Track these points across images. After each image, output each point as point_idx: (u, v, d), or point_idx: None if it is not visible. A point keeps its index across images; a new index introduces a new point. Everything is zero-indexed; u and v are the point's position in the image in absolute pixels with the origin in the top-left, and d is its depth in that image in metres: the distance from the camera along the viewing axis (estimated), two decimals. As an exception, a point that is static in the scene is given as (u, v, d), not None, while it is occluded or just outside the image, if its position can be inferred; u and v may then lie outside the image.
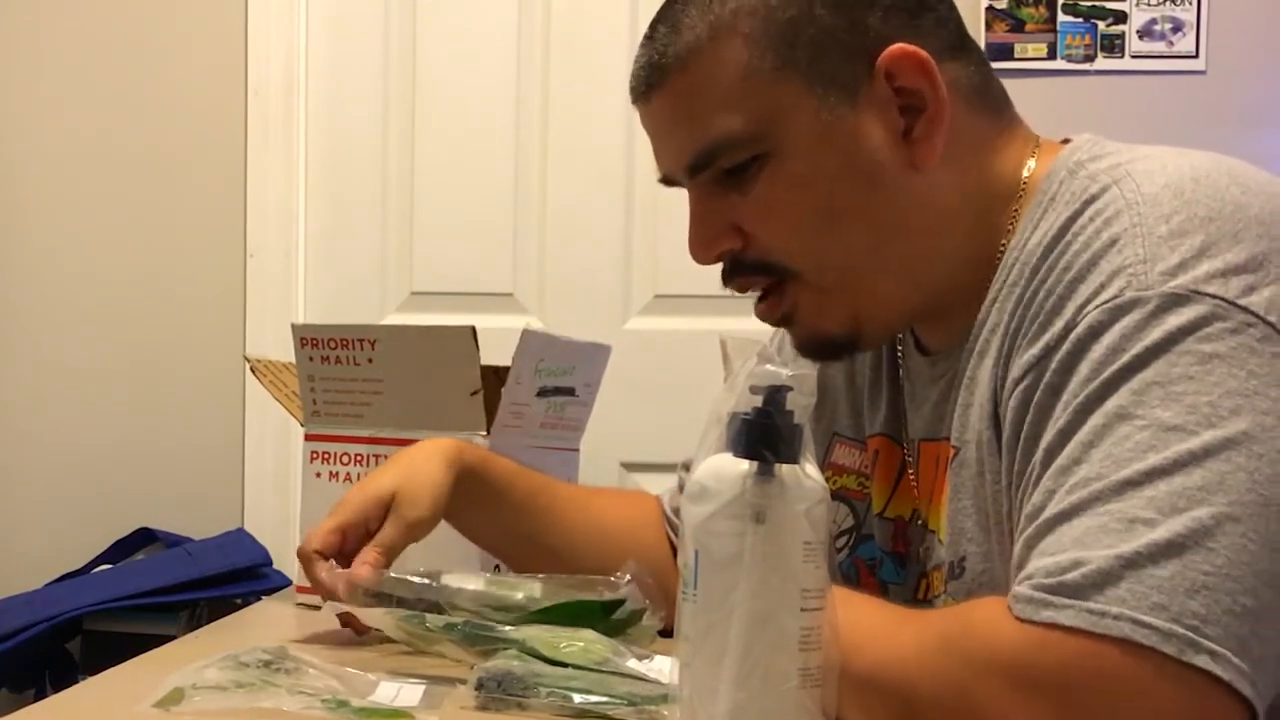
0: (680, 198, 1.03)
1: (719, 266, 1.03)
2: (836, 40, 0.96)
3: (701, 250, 1.01)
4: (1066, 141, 1.01)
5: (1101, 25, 2.41)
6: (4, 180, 2.56)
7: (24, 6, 2.55)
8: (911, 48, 0.95)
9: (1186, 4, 2.39)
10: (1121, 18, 2.41)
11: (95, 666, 1.56)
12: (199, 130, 2.53)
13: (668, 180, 1.04)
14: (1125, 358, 0.81)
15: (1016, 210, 0.98)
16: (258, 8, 2.51)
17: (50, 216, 2.56)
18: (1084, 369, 0.83)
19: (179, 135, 2.54)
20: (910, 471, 1.08)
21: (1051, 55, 2.41)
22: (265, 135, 2.52)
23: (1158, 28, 2.40)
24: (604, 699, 0.91)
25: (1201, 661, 0.73)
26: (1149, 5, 2.40)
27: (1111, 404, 0.81)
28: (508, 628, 1.05)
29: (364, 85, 2.55)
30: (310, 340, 1.38)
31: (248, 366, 1.77)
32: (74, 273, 2.55)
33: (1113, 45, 2.41)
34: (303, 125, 2.54)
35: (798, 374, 0.74)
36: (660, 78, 0.98)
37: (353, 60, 2.56)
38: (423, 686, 0.97)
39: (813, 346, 1.04)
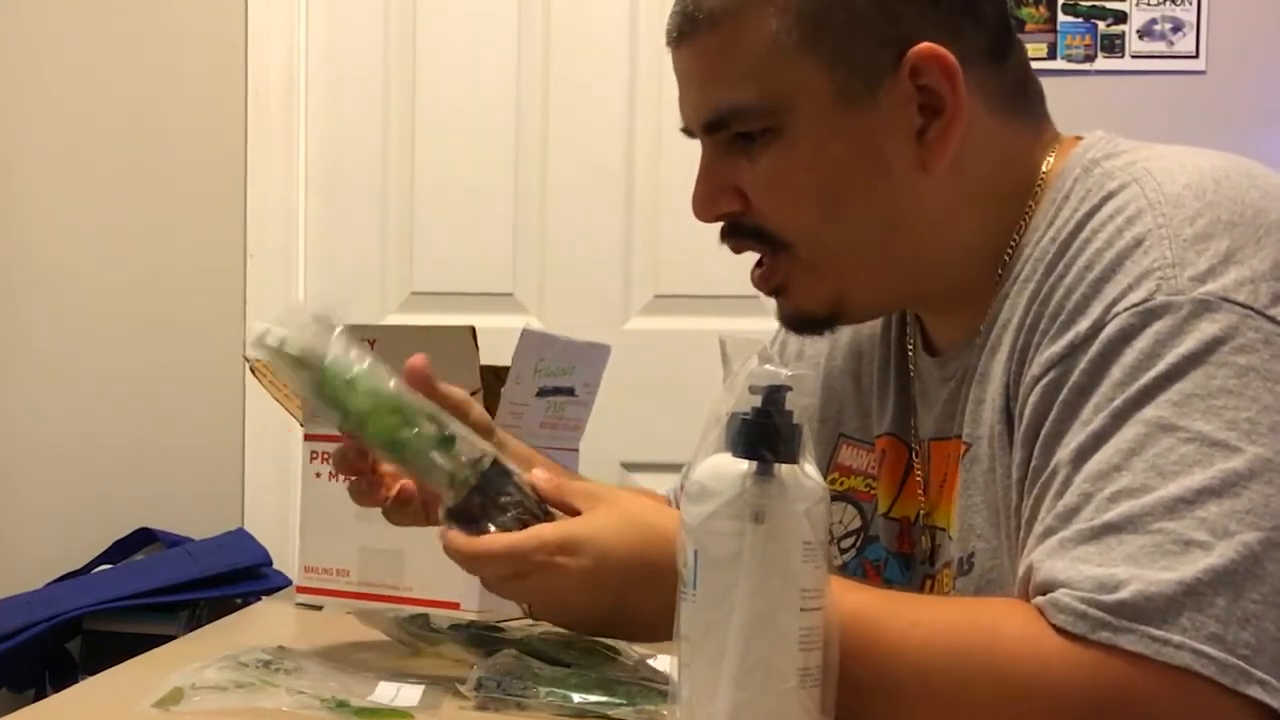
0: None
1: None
2: (868, 28, 0.95)
3: (702, 207, 1.01)
4: (1080, 139, 1.01)
5: (1101, 25, 2.41)
6: (4, 180, 2.56)
7: (24, 6, 2.55)
8: (940, 49, 0.94)
9: (1186, 4, 2.39)
10: (1121, 18, 2.41)
11: (95, 666, 1.56)
12: (199, 130, 2.53)
13: (688, 131, 1.04)
14: (1161, 365, 0.81)
15: (1031, 207, 0.98)
16: (258, 8, 2.51)
17: (50, 216, 2.56)
18: (1116, 372, 0.83)
19: (179, 135, 2.54)
20: (917, 472, 1.08)
21: (1051, 55, 2.41)
22: (265, 135, 2.52)
23: (1158, 28, 2.40)
24: (603, 699, 0.91)
25: (1254, 692, 0.74)
26: (1149, 5, 2.40)
27: (1150, 412, 0.81)
28: (513, 627, 1.05)
29: (364, 85, 2.55)
30: (310, 340, 1.37)
31: (248, 366, 1.77)
32: (74, 273, 2.55)
33: (1113, 45, 2.41)
34: (303, 125, 2.54)
35: (797, 374, 0.74)
36: (691, 29, 0.98)
37: (353, 60, 2.56)
38: (422, 686, 0.97)
39: (795, 322, 1.05)
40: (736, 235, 1.02)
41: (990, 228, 0.99)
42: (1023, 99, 1.01)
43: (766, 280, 1.02)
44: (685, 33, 0.99)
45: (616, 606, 0.91)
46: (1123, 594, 0.76)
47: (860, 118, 0.96)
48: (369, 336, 1.37)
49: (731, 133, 0.98)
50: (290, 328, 0.96)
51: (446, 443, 0.95)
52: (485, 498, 0.95)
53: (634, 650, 0.99)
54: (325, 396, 0.96)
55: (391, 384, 0.96)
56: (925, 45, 0.94)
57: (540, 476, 0.97)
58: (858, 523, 1.13)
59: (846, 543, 1.13)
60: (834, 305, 1.02)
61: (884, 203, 0.97)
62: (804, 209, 0.98)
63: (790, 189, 0.98)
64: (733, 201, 1.00)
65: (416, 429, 0.95)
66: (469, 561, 0.94)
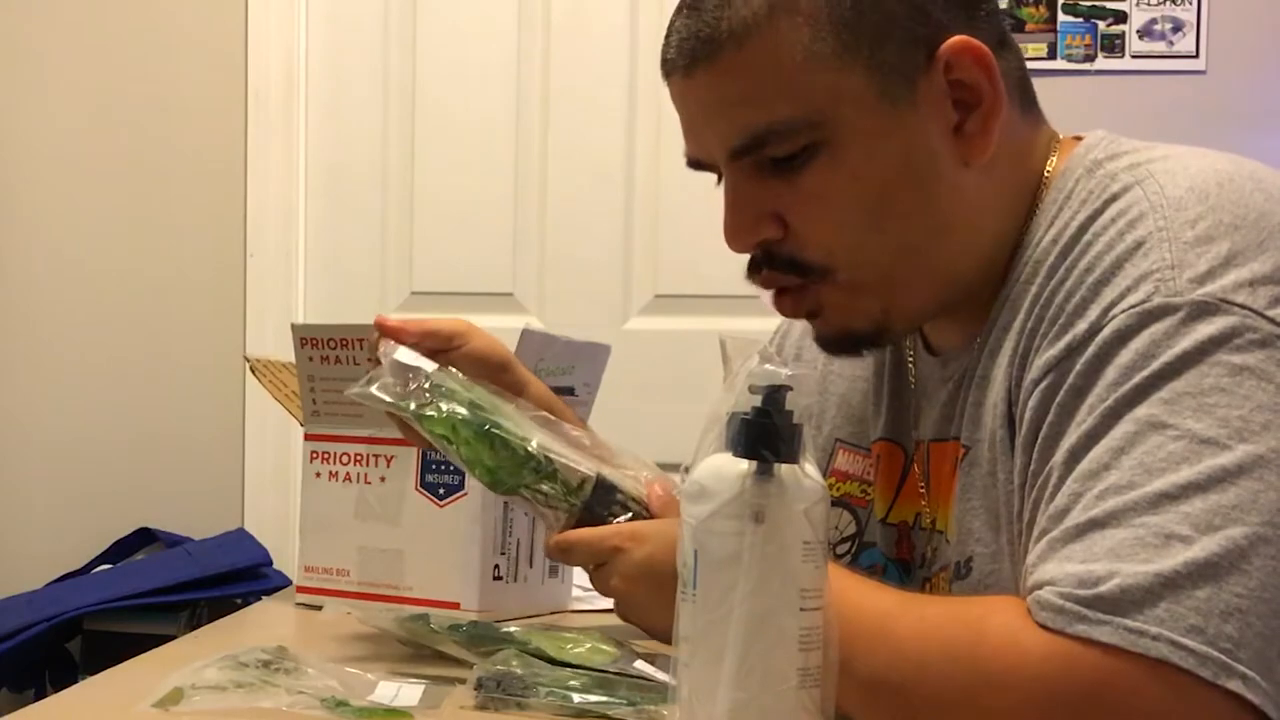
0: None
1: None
2: (899, 27, 0.92)
3: (740, 238, 0.97)
4: (1080, 138, 1.00)
5: (1101, 25, 2.41)
6: (4, 180, 2.56)
7: (24, 6, 2.55)
8: (972, 41, 0.93)
9: (1186, 4, 2.39)
10: (1121, 18, 2.41)
11: (95, 666, 1.56)
12: (199, 130, 2.54)
13: (698, 163, 0.99)
14: (1155, 365, 0.81)
15: (1035, 206, 0.97)
16: (258, 8, 2.51)
17: (50, 217, 2.56)
18: (1111, 373, 0.83)
19: (179, 135, 2.54)
20: (918, 474, 1.07)
21: (1051, 55, 2.41)
22: (265, 135, 2.52)
23: (1158, 28, 2.40)
24: (603, 699, 0.91)
25: (1234, 686, 0.73)
26: (1149, 5, 2.40)
27: (1142, 411, 0.80)
28: (513, 628, 1.05)
29: (364, 85, 2.56)
30: (310, 340, 1.37)
31: (248, 366, 1.77)
32: (74, 273, 2.55)
33: (1113, 45, 2.41)
34: (303, 125, 2.54)
35: (797, 374, 0.73)
36: (710, 52, 0.93)
37: (353, 60, 2.56)
38: (422, 686, 0.97)
39: (836, 342, 1.01)
40: (771, 267, 0.97)
41: (1005, 226, 0.98)
42: (1029, 93, 1.00)
43: (797, 307, 0.99)
44: (701, 57, 0.93)
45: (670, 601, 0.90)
46: (1101, 588, 0.75)
47: (904, 118, 0.93)
48: (369, 336, 1.37)
49: (762, 156, 0.94)
50: (382, 381, 1.06)
51: (548, 478, 1.05)
52: (594, 517, 1.05)
53: (634, 651, 0.99)
54: (429, 442, 1.06)
55: (484, 422, 1.05)
56: (957, 38, 0.93)
57: (657, 493, 1.06)
58: (853, 528, 1.13)
59: (841, 549, 1.13)
60: (879, 321, 0.98)
61: (932, 208, 0.95)
62: (852, 225, 0.94)
63: (837, 205, 0.94)
64: (771, 228, 0.96)
65: (517, 469, 1.04)
66: (556, 552, 1.06)
